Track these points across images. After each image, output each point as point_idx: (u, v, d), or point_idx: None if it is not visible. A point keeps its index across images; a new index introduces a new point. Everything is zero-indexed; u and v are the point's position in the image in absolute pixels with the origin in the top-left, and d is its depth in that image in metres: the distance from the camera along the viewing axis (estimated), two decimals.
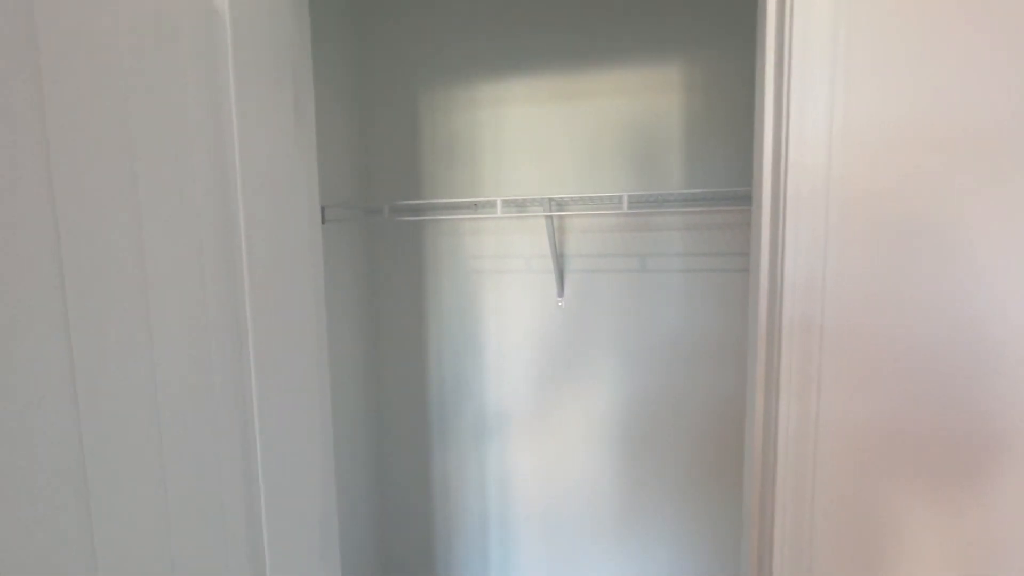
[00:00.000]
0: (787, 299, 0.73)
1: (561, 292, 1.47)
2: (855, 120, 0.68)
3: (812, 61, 0.68)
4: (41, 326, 0.45)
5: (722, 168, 1.33)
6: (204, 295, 0.67)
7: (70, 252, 0.48)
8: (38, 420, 0.44)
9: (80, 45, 0.50)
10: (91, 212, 0.50)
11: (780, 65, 0.70)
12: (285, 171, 0.88)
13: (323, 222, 1.24)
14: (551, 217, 1.33)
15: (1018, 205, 0.66)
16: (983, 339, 0.69)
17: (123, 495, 0.53)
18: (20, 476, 0.42)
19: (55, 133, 0.46)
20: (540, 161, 1.44)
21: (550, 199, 1.28)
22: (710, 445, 1.44)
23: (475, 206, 1.42)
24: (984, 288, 0.68)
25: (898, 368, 0.71)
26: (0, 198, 0.41)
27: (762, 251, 0.76)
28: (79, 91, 0.49)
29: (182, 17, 0.64)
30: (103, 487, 0.50)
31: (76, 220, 0.48)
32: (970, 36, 0.65)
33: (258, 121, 0.79)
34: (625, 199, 1.21)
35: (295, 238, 0.91)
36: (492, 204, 1.31)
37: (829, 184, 0.69)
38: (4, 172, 0.42)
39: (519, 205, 1.40)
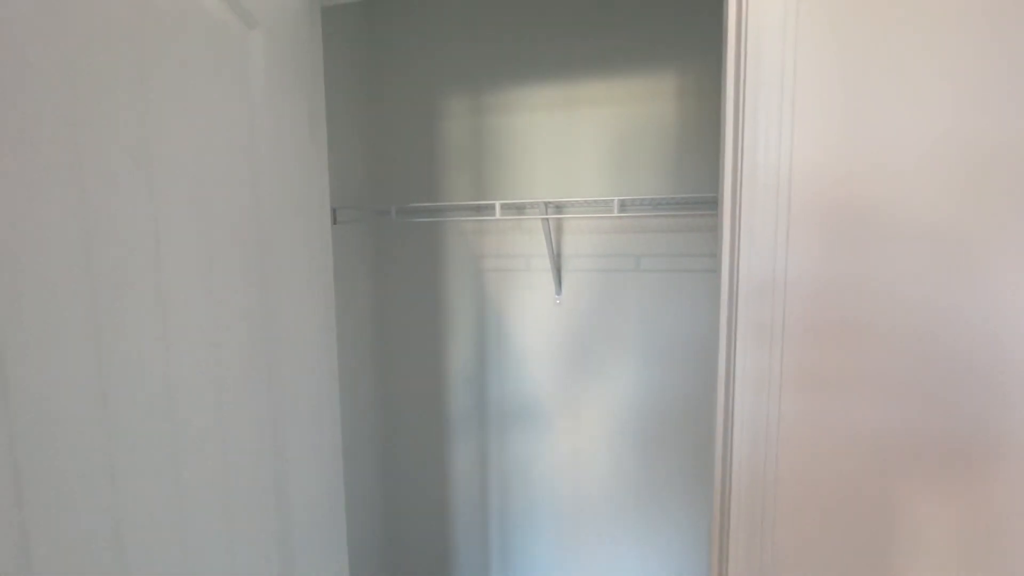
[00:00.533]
0: (742, 301, 0.79)
1: (559, 290, 1.54)
2: (799, 145, 0.73)
3: (762, 96, 0.74)
4: (141, 329, 0.57)
5: (714, 173, 1.37)
6: (249, 287, 0.79)
7: (166, 237, 0.62)
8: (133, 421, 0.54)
9: (167, 65, 0.62)
10: (182, 206, 0.64)
11: (737, 97, 0.76)
12: (302, 175, 0.99)
13: (334, 223, 1.34)
14: (547, 220, 1.40)
15: (948, 217, 0.70)
16: (930, 337, 0.73)
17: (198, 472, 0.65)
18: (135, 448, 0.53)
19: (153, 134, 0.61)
20: (540, 165, 1.51)
21: (546, 203, 1.35)
22: (704, 439, 1.49)
23: (476, 209, 1.50)
24: (927, 292, 0.72)
25: (847, 371, 0.76)
26: (114, 204, 0.53)
27: (723, 256, 0.82)
28: (169, 95, 0.64)
29: (227, 40, 0.76)
30: (189, 467, 0.62)
31: (171, 213, 0.63)
32: (898, 80, 0.71)
33: (281, 129, 0.90)
34: (616, 203, 1.27)
35: (310, 236, 1.02)
36: (491, 207, 1.39)
37: (778, 197, 0.75)
38: (118, 181, 0.56)
39: (517, 208, 1.47)
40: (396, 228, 1.67)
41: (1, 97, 0.45)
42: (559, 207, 1.44)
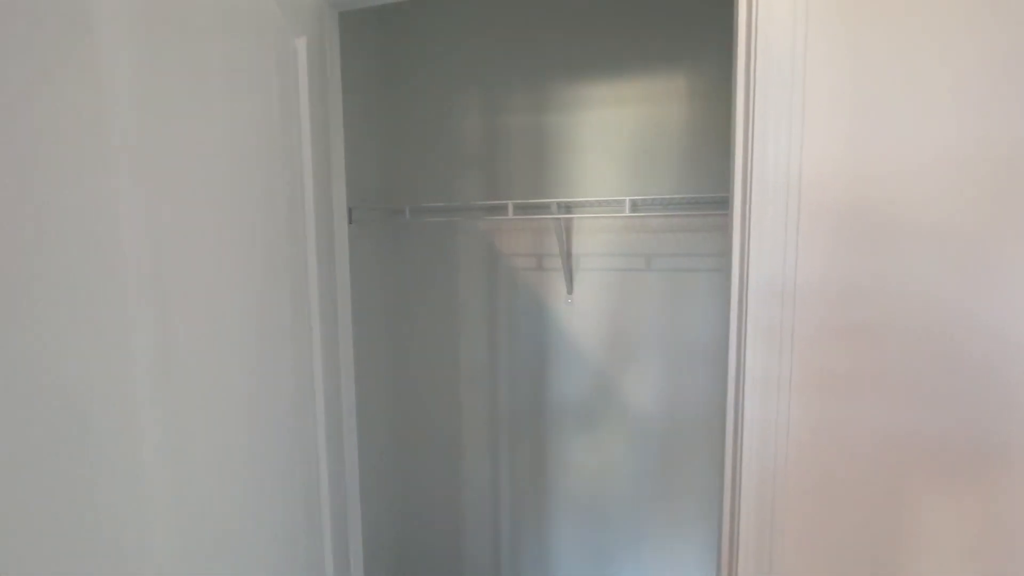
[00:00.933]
0: (752, 302, 0.79)
1: (570, 289, 1.55)
2: (810, 146, 0.74)
3: (772, 96, 0.75)
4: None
5: (727, 172, 1.36)
6: (277, 280, 0.85)
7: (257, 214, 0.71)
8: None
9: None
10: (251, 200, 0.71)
11: (747, 98, 0.77)
12: (324, 173, 1.03)
13: (350, 222, 1.37)
14: (559, 219, 1.40)
15: (962, 219, 0.70)
16: (942, 340, 0.73)
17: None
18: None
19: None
20: (551, 165, 1.52)
21: (558, 202, 1.36)
22: (713, 440, 1.48)
23: (489, 209, 1.51)
24: (940, 294, 0.72)
25: (858, 373, 0.76)
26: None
27: (733, 257, 0.82)
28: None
29: (286, 48, 0.82)
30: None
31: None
32: (911, 81, 0.70)
33: (315, 129, 0.95)
34: (627, 203, 1.27)
35: (331, 234, 1.07)
36: (504, 207, 1.40)
37: (788, 198, 0.75)
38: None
39: (530, 208, 1.48)
40: (410, 228, 1.69)
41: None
42: (571, 207, 1.45)
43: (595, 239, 1.51)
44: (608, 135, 1.46)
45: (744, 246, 0.80)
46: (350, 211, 1.39)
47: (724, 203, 1.29)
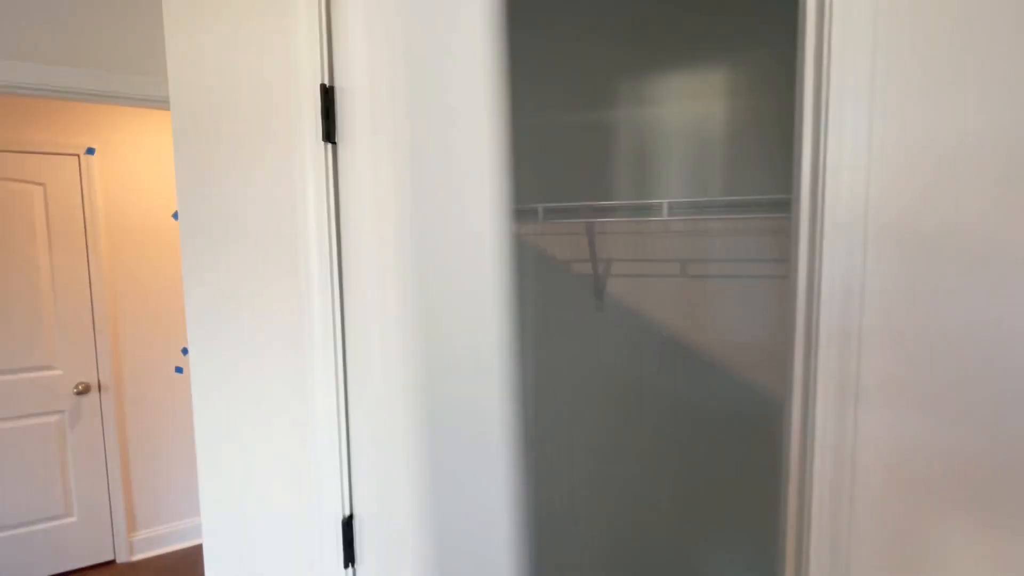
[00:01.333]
0: (824, 309, 0.75)
1: (601, 295, 1.51)
2: (891, 144, 0.70)
3: (848, 86, 0.71)
4: None
5: (767, 173, 1.33)
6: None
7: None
8: None
9: None
10: None
11: (818, 90, 0.73)
12: None
13: None
14: (592, 223, 1.37)
15: None
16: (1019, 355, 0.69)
17: None
18: None
19: None
20: (584, 166, 1.48)
21: (591, 206, 1.32)
22: (749, 451, 1.44)
23: (519, 213, 1.47)
24: (1017, 308, 0.68)
25: (939, 384, 0.72)
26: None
27: (800, 263, 0.78)
28: None
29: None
30: None
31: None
32: (1000, 66, 0.66)
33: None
34: (665, 206, 1.23)
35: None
36: (534, 211, 1.37)
37: (867, 203, 0.71)
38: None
39: (561, 212, 1.44)
40: None
41: None
42: (604, 210, 1.41)
43: (631, 242, 1.47)
44: (643, 135, 1.42)
45: (814, 250, 0.76)
46: None
47: (768, 205, 1.25)
